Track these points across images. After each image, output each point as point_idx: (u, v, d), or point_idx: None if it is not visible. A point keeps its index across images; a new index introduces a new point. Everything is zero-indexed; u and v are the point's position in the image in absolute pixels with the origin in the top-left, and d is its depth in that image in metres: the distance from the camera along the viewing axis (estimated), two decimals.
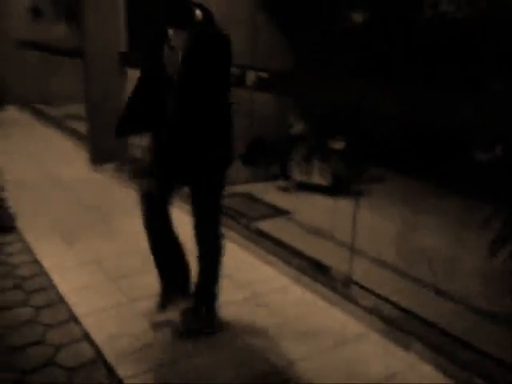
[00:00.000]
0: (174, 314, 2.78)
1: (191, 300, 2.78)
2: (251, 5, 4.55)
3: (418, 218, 4.08)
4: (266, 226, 3.87)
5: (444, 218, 4.00)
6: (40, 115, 8.60)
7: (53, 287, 3.15)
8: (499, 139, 3.43)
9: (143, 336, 2.71)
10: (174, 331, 2.73)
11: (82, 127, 6.44)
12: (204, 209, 2.65)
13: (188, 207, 2.65)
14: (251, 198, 4.36)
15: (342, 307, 2.98)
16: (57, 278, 3.25)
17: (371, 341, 2.72)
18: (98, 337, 2.67)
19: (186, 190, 2.66)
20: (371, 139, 4.64)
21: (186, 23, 2.39)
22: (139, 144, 3.95)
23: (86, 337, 2.67)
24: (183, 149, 2.45)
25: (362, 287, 3.02)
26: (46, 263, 3.43)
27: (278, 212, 4.29)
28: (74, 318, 2.84)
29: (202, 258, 2.72)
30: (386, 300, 2.87)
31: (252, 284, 3.27)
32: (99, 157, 5.56)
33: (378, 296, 2.91)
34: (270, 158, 4.98)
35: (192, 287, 2.81)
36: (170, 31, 2.39)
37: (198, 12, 2.43)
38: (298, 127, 4.89)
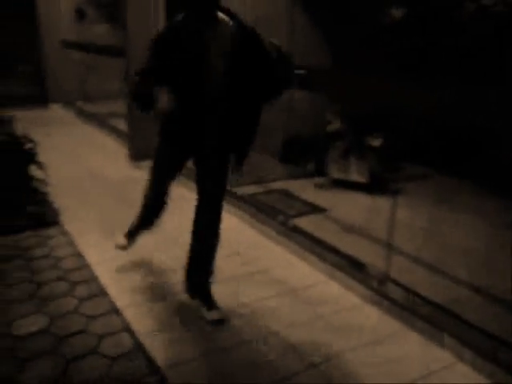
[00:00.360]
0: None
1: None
2: (288, 2, 4.56)
3: (455, 216, 4.03)
4: (302, 222, 3.88)
5: (482, 216, 3.92)
6: (82, 113, 8.84)
7: (95, 279, 3.26)
8: None
9: (182, 328, 2.77)
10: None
11: (122, 125, 6.59)
12: (215, 186, 2.82)
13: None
14: (288, 194, 4.38)
15: (378, 304, 2.98)
16: (98, 271, 3.35)
17: (407, 339, 2.71)
18: (138, 328, 2.75)
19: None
20: (409, 137, 4.58)
21: (216, 23, 2.56)
22: None
23: (127, 328, 2.75)
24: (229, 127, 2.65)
25: (398, 285, 3.00)
26: (89, 256, 3.54)
27: (314, 209, 4.29)
28: (115, 310, 2.92)
29: (203, 237, 2.92)
30: (423, 298, 2.84)
31: (288, 280, 3.30)
32: (139, 154, 5.68)
33: (415, 294, 2.89)
34: (307, 156, 4.98)
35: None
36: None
37: (225, 17, 2.59)
38: (335, 124, 4.87)
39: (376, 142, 4.72)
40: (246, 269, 3.44)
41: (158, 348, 2.60)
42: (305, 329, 2.78)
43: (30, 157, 4.18)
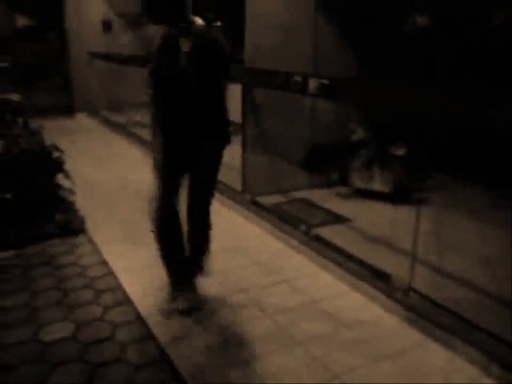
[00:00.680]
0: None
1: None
2: (313, 11, 4.58)
3: (480, 226, 3.97)
4: (325, 232, 3.88)
5: (507, 227, 3.86)
6: (107, 122, 8.99)
7: (120, 288, 3.30)
8: None
9: (205, 337, 2.79)
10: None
11: (146, 134, 6.67)
12: (208, 186, 3.07)
13: None
14: (310, 204, 4.38)
15: (402, 315, 2.95)
16: (123, 279, 3.40)
17: (431, 351, 2.68)
18: (163, 337, 2.77)
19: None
20: (434, 146, 4.54)
21: (191, 30, 2.81)
22: None
23: (151, 336, 2.79)
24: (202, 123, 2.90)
25: (422, 296, 2.98)
26: (114, 265, 3.59)
27: (337, 219, 4.29)
28: (139, 318, 2.96)
29: (197, 233, 3.11)
30: (448, 309, 2.81)
31: (311, 290, 3.29)
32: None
33: (439, 305, 2.86)
34: (330, 165, 4.97)
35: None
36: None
37: (198, 20, 2.84)
38: (358, 133, 4.86)
39: (400, 152, 4.69)
40: (268, 278, 3.44)
41: (181, 356, 2.62)
42: (328, 339, 2.77)
43: (58, 166, 4.27)
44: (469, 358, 2.57)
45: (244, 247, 3.94)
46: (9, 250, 3.78)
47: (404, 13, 4.91)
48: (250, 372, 2.51)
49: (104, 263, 3.63)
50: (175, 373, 2.50)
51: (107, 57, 8.75)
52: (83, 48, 9.57)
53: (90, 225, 4.26)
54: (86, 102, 9.78)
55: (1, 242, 3.78)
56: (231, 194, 4.87)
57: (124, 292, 3.25)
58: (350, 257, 3.49)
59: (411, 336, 2.81)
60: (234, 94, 4.76)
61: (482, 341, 2.57)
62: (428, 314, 2.84)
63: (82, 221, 4.27)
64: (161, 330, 2.84)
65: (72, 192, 4.41)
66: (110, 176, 5.83)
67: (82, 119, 9.77)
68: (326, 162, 5.01)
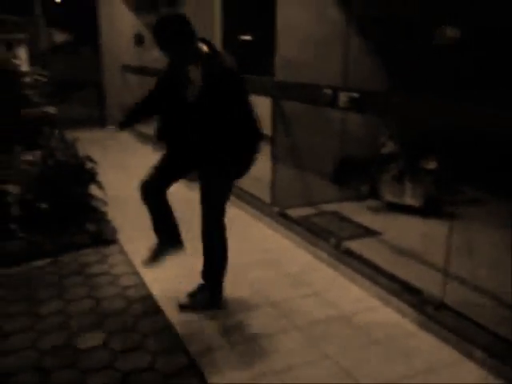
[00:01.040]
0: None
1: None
2: (343, 25, 4.60)
3: None
4: (355, 245, 3.85)
5: None
6: (138, 134, 9.13)
7: (150, 297, 3.35)
8: None
9: (238, 349, 2.80)
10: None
11: None
12: (203, 206, 3.12)
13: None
14: (340, 217, 4.37)
15: (434, 332, 2.91)
16: (154, 289, 3.44)
17: (464, 369, 2.62)
18: (192, 346, 2.80)
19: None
20: (466, 159, 4.48)
21: (196, 59, 2.85)
22: None
23: (181, 346, 2.81)
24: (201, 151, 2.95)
25: (455, 312, 2.93)
26: (145, 275, 3.64)
27: (367, 232, 4.26)
28: (169, 328, 2.99)
29: (207, 250, 3.20)
30: (482, 327, 2.75)
31: (341, 304, 3.27)
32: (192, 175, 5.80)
33: (473, 322, 2.81)
34: (360, 178, 4.95)
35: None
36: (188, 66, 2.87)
37: (204, 47, 2.88)
38: (388, 147, 4.83)
39: (431, 165, 4.64)
40: (298, 291, 3.44)
41: (210, 367, 2.63)
42: (358, 354, 2.75)
43: (91, 176, 4.37)
44: (506, 377, 2.51)
45: (273, 259, 3.94)
46: (44, 258, 3.87)
47: (435, 25, 4.89)
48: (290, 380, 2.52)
49: (135, 273, 3.69)
50: (204, 382, 2.51)
51: (139, 70, 8.93)
52: (116, 61, 9.80)
53: (121, 235, 4.34)
54: (119, 114, 9.97)
55: (36, 250, 3.88)
56: (260, 206, 4.89)
57: (154, 301, 3.29)
58: (381, 271, 3.46)
59: (444, 353, 2.76)
60: (264, 106, 4.81)
61: None
62: (461, 331, 2.79)
63: (113, 231, 4.35)
64: (190, 340, 2.87)
65: (104, 202, 4.50)
66: None
67: (114, 131, 9.95)
68: (356, 175, 4.99)
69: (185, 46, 2.81)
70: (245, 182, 5.18)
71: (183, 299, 3.24)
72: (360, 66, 4.64)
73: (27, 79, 4.58)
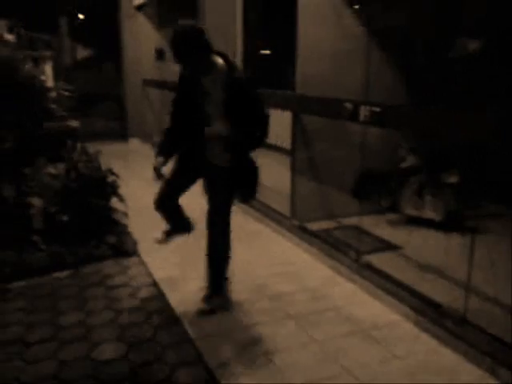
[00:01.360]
0: None
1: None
2: (365, 39, 4.61)
3: None
4: (375, 260, 3.82)
5: None
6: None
7: (170, 310, 3.36)
8: None
9: (257, 360, 2.79)
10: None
11: None
12: (210, 205, 3.28)
13: None
14: (360, 230, 4.33)
15: (455, 347, 2.86)
16: (173, 302, 3.45)
17: None
18: (211, 360, 2.79)
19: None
20: (487, 173, 4.43)
21: (211, 70, 2.93)
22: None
23: (200, 359, 2.81)
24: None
25: (477, 328, 2.88)
26: (164, 287, 3.66)
27: (387, 246, 4.22)
28: (188, 340, 2.99)
29: (210, 253, 3.32)
30: (506, 344, 2.70)
31: (360, 318, 3.24)
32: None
33: (497, 339, 2.75)
34: (380, 191, 4.92)
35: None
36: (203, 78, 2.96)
37: (219, 60, 2.95)
38: (409, 160, 4.80)
39: (452, 179, 4.59)
40: (317, 305, 3.42)
41: (229, 380, 2.63)
42: (379, 370, 2.71)
43: (113, 189, 4.42)
44: None
45: (293, 273, 3.93)
46: (65, 269, 3.92)
47: (454, 38, 4.87)
48: None
49: (155, 285, 3.71)
50: None
51: (160, 84, 9.04)
52: (138, 76, 9.95)
53: (141, 247, 4.37)
54: (140, 127, 10.11)
55: (58, 262, 3.93)
56: (279, 219, 4.89)
57: (174, 314, 3.30)
58: (401, 285, 3.42)
59: (466, 369, 2.71)
60: (285, 120, 4.83)
61: None
62: (484, 348, 2.74)
63: (134, 243, 4.38)
64: (209, 353, 2.86)
65: (125, 215, 4.55)
66: None
67: (135, 144, 10.08)
68: (376, 189, 4.96)
69: (200, 58, 2.86)
70: (265, 196, 5.20)
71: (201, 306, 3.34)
72: (381, 80, 4.64)
73: (52, 94, 4.67)
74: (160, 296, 3.55)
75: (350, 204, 4.77)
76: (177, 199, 3.37)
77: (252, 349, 2.92)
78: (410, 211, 4.73)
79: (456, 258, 3.75)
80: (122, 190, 4.52)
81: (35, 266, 3.86)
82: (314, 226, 4.61)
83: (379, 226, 4.65)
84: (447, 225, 4.54)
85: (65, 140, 4.55)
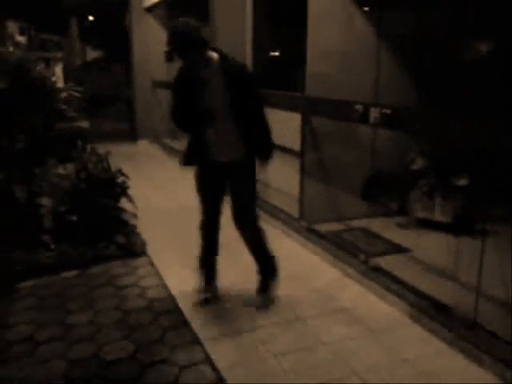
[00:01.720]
0: None
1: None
2: (375, 41, 4.60)
3: None
4: (384, 262, 3.81)
5: None
6: (169, 149, 9.26)
7: (178, 310, 3.36)
8: None
9: (262, 364, 2.79)
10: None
11: None
12: (243, 197, 3.27)
13: None
14: (369, 233, 4.32)
15: (465, 351, 2.83)
16: (181, 302, 3.45)
17: None
18: (219, 361, 2.79)
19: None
20: (498, 176, 4.40)
21: (208, 64, 3.04)
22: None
23: (208, 360, 2.81)
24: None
25: (488, 332, 2.85)
26: (173, 287, 3.66)
27: (397, 249, 4.20)
28: (196, 341, 2.99)
29: (248, 242, 3.38)
30: None
31: (369, 320, 3.23)
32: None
33: (508, 343, 2.73)
34: (389, 194, 4.90)
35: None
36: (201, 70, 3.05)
37: (214, 54, 3.06)
38: (418, 163, 4.78)
39: (462, 182, 4.56)
40: (326, 307, 3.41)
41: (237, 382, 2.62)
42: (387, 372, 2.70)
43: (122, 190, 4.44)
44: None
45: (301, 275, 3.92)
46: (74, 269, 3.94)
47: (465, 40, 4.85)
48: None
49: (163, 285, 3.71)
50: None
51: (169, 86, 9.07)
52: (147, 77, 10.00)
53: (150, 248, 4.38)
54: (149, 128, 10.15)
55: (67, 261, 3.95)
56: (288, 220, 4.88)
57: (182, 315, 3.30)
58: (410, 288, 3.40)
59: (476, 374, 2.69)
60: (293, 121, 4.83)
61: None
62: (495, 352, 2.71)
63: (143, 243, 4.40)
64: (217, 354, 2.86)
65: (134, 215, 4.57)
66: (170, 201, 5.98)
67: (144, 145, 10.12)
68: (385, 191, 4.94)
69: (199, 51, 2.97)
70: (273, 197, 5.20)
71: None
72: (391, 82, 4.62)
73: (62, 95, 4.70)
74: (168, 297, 3.55)
75: (359, 206, 4.76)
76: (219, 219, 3.40)
77: (260, 350, 2.91)
78: (420, 214, 4.70)
79: (466, 261, 3.72)
80: (131, 191, 4.54)
81: (44, 266, 3.88)
82: (323, 228, 4.60)
83: (388, 229, 4.63)
84: (457, 227, 4.51)
85: (75, 141, 4.58)
